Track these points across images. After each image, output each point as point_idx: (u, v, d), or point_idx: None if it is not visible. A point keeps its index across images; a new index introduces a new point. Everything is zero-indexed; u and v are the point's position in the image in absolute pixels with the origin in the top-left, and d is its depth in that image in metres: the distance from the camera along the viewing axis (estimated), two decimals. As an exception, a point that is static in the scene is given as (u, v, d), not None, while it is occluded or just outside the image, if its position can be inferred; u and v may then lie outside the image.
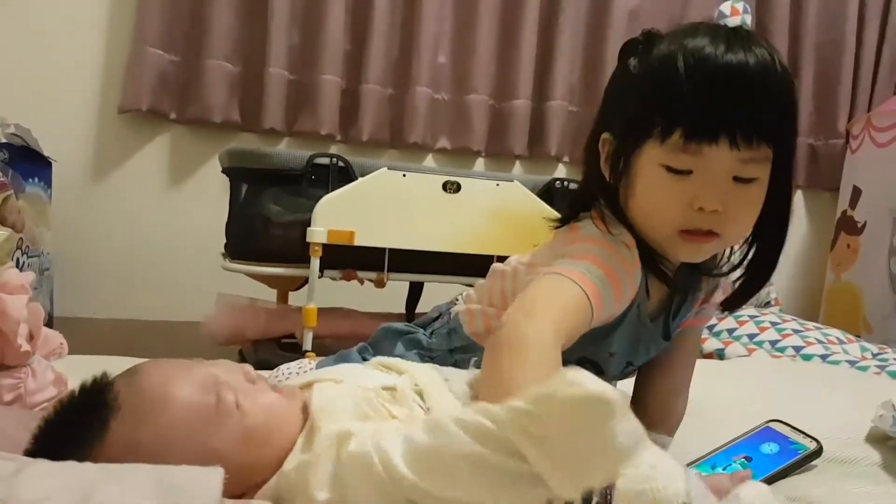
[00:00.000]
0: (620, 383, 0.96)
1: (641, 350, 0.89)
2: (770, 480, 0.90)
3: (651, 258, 0.81)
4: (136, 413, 0.61)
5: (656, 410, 0.94)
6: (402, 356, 0.91)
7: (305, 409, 0.65)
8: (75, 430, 0.61)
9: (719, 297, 0.94)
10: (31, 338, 0.82)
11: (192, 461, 0.56)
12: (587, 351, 0.84)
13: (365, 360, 0.93)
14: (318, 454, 0.58)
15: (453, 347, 0.92)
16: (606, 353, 0.85)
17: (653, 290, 0.84)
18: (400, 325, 0.99)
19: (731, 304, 0.90)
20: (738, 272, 0.87)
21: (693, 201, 0.74)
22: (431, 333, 0.95)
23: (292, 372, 1.05)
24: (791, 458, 0.94)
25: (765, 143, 0.73)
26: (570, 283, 0.72)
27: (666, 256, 0.81)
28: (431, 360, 0.91)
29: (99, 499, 0.44)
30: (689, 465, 0.86)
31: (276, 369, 1.08)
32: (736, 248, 0.87)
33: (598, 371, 0.86)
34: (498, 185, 1.76)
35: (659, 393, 0.96)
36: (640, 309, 0.83)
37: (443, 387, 0.70)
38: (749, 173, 0.74)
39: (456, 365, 0.89)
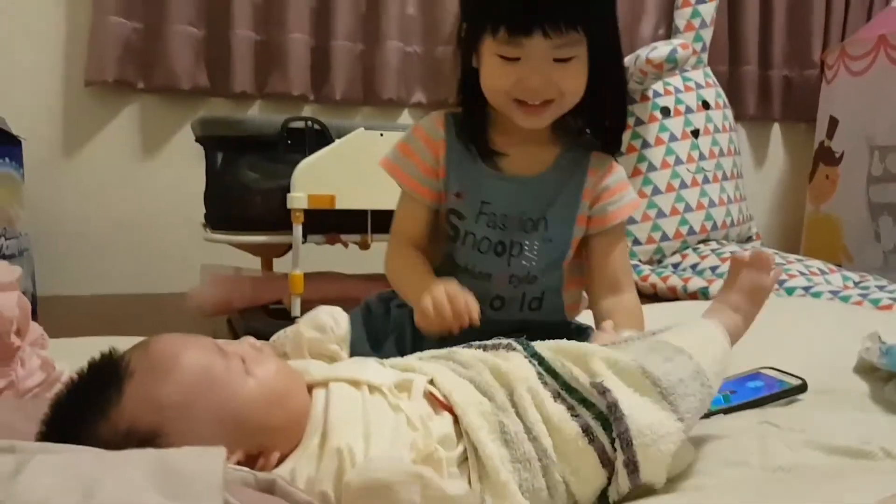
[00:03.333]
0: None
1: (492, 189, 1.00)
2: (749, 406, 0.93)
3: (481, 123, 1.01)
4: (153, 374, 0.62)
5: (607, 313, 1.01)
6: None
7: (309, 390, 0.69)
8: (91, 400, 0.61)
9: (616, 201, 1.04)
10: (18, 332, 0.82)
11: (215, 416, 0.61)
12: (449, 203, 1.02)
13: (368, 318, 1.07)
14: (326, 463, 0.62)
15: None
16: (453, 195, 1.02)
17: (513, 152, 1.01)
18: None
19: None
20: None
21: (521, 80, 0.92)
22: None
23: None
24: (773, 390, 0.96)
25: (574, 30, 0.90)
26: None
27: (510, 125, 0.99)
28: None
29: (100, 498, 0.44)
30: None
31: (276, 335, 1.09)
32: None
33: (460, 217, 1.01)
34: (476, 138, 1.74)
35: (600, 297, 1.04)
36: (464, 152, 1.01)
37: (453, 374, 0.73)
38: (565, 54, 0.91)
39: None
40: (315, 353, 0.79)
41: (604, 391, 0.68)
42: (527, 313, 1.04)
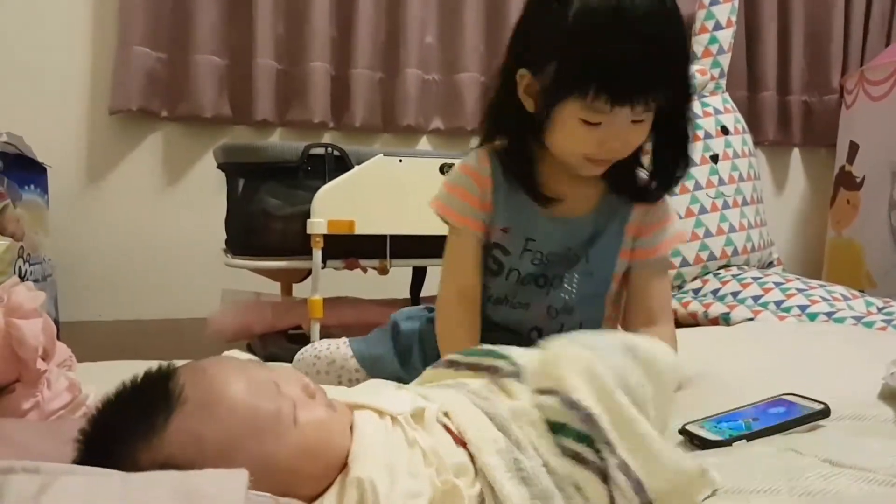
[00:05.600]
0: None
1: (538, 227, 1.01)
2: (771, 431, 0.92)
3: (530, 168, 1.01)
4: (203, 408, 0.61)
5: None
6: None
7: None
8: (138, 422, 0.61)
9: (660, 234, 1.04)
10: (45, 355, 0.83)
11: (253, 464, 0.58)
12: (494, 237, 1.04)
13: (396, 335, 1.11)
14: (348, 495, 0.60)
15: None
16: (499, 230, 1.03)
17: (560, 192, 1.01)
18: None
19: (648, 194, 1.03)
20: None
21: (602, 143, 0.94)
22: None
23: (330, 347, 1.13)
24: (795, 415, 0.95)
25: (657, 100, 0.93)
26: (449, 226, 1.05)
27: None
28: None
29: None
30: (696, 422, 0.89)
31: (311, 345, 1.15)
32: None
33: (505, 252, 1.03)
34: (495, 163, 1.75)
35: (635, 328, 1.03)
36: (510, 188, 1.02)
37: (470, 406, 0.71)
38: (642, 116, 0.94)
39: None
40: None
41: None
42: None
